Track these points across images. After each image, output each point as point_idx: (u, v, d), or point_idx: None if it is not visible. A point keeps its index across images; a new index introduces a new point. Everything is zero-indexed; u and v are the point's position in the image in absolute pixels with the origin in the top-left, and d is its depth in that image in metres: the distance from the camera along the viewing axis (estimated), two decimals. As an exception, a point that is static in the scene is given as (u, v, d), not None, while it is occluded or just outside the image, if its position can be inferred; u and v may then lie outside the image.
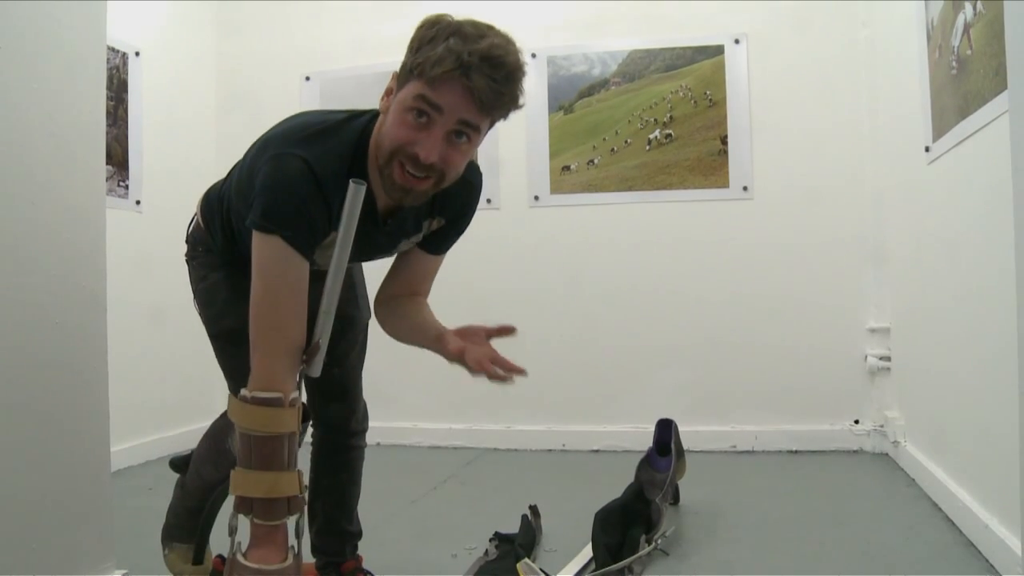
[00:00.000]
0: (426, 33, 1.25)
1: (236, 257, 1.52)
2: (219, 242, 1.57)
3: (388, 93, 1.32)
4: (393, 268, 1.60)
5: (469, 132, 1.28)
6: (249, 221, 1.31)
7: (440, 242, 1.57)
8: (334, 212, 1.32)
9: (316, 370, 1.37)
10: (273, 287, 1.30)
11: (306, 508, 1.65)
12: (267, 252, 1.30)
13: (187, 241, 1.66)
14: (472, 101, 1.23)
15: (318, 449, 1.78)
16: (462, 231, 1.58)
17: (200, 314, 1.62)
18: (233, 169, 1.56)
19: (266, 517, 1.25)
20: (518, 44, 1.28)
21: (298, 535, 1.31)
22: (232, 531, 1.28)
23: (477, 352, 1.36)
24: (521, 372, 1.34)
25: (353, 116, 1.39)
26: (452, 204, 1.49)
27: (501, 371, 1.33)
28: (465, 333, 1.42)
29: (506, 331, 1.40)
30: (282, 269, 1.30)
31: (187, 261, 1.66)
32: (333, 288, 1.34)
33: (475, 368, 1.33)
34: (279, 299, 1.30)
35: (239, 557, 1.25)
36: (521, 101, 1.29)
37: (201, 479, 1.68)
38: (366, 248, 1.48)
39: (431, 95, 1.23)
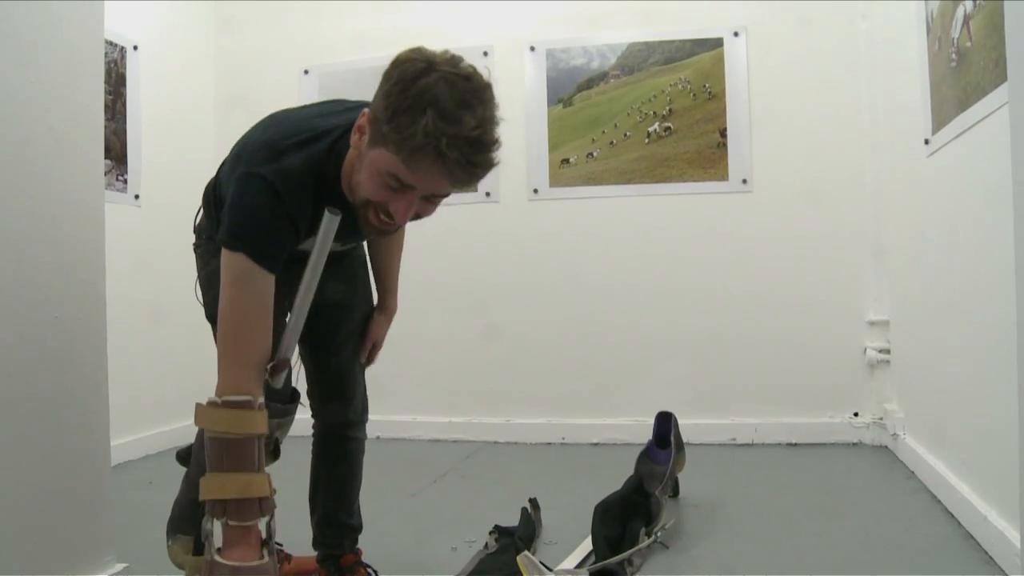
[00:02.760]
0: (401, 100, 1.19)
1: None
2: (216, 230, 1.58)
3: (360, 131, 1.31)
4: None
5: (443, 196, 1.32)
6: (218, 239, 1.35)
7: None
8: (300, 223, 1.35)
9: (279, 383, 1.41)
10: (239, 300, 1.33)
11: (306, 502, 1.66)
12: (234, 267, 1.33)
13: (194, 230, 1.69)
14: (447, 180, 1.24)
15: (317, 441, 1.79)
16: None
17: (202, 299, 1.64)
18: (223, 164, 1.57)
19: (240, 518, 1.27)
20: (495, 99, 1.25)
21: (270, 536, 1.32)
22: (207, 535, 1.29)
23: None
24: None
25: (324, 127, 1.38)
26: None
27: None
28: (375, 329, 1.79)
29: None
30: (247, 284, 1.33)
31: (194, 249, 1.68)
32: (301, 309, 1.38)
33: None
34: (245, 312, 1.33)
35: (216, 557, 1.26)
36: (497, 163, 1.27)
37: (201, 468, 1.68)
38: (352, 236, 1.53)
39: (406, 176, 1.23)
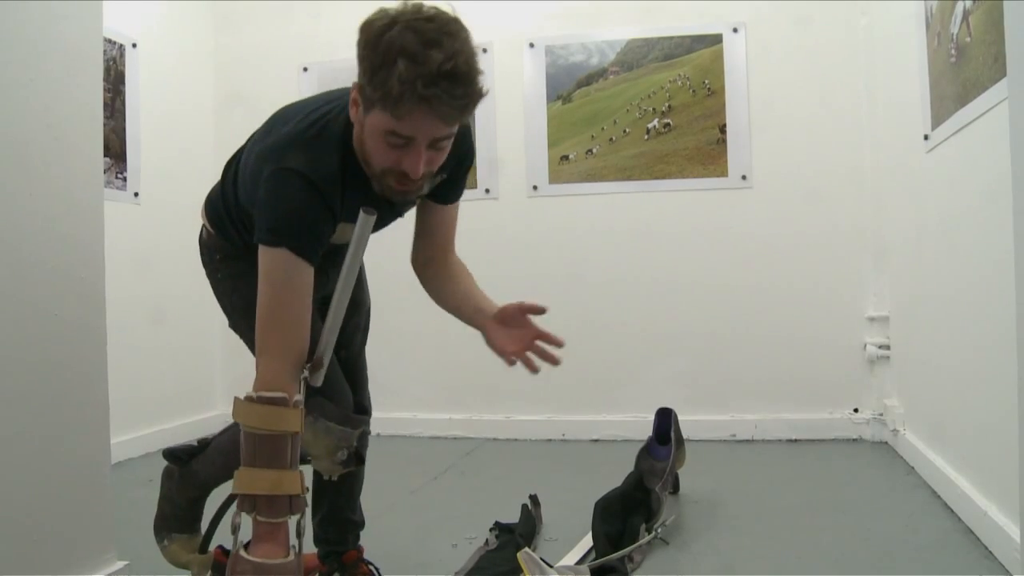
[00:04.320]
0: (373, 58, 1.22)
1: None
2: (238, 243, 1.58)
3: (354, 104, 1.32)
4: (419, 231, 1.66)
5: (446, 139, 1.31)
6: (256, 237, 1.35)
7: (447, 193, 1.60)
8: (336, 209, 1.37)
9: (318, 381, 1.41)
10: (280, 294, 1.34)
11: (309, 503, 1.66)
12: (274, 262, 1.33)
13: (201, 251, 1.67)
14: (440, 121, 1.25)
15: None
16: (464, 178, 1.62)
17: (239, 325, 1.60)
18: (227, 169, 1.57)
19: (269, 514, 1.28)
20: (465, 31, 1.24)
21: (299, 534, 1.34)
22: (235, 529, 1.30)
23: (522, 343, 1.56)
24: (559, 344, 1.54)
25: (332, 112, 1.40)
26: (448, 162, 1.50)
27: (541, 358, 1.55)
28: (505, 318, 1.58)
29: (538, 310, 1.53)
30: (289, 277, 1.34)
31: (208, 274, 1.67)
32: (338, 309, 1.38)
33: (522, 362, 1.57)
34: (285, 305, 1.34)
35: (242, 552, 1.27)
36: (484, 92, 1.26)
37: (228, 469, 1.67)
38: (389, 219, 1.55)
39: (400, 129, 1.25)
